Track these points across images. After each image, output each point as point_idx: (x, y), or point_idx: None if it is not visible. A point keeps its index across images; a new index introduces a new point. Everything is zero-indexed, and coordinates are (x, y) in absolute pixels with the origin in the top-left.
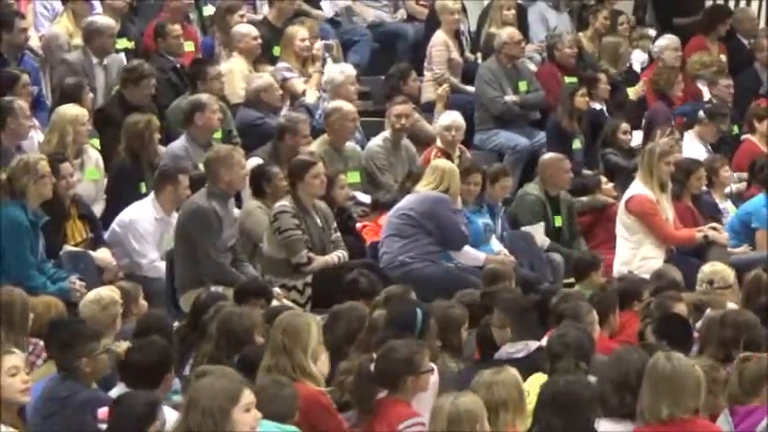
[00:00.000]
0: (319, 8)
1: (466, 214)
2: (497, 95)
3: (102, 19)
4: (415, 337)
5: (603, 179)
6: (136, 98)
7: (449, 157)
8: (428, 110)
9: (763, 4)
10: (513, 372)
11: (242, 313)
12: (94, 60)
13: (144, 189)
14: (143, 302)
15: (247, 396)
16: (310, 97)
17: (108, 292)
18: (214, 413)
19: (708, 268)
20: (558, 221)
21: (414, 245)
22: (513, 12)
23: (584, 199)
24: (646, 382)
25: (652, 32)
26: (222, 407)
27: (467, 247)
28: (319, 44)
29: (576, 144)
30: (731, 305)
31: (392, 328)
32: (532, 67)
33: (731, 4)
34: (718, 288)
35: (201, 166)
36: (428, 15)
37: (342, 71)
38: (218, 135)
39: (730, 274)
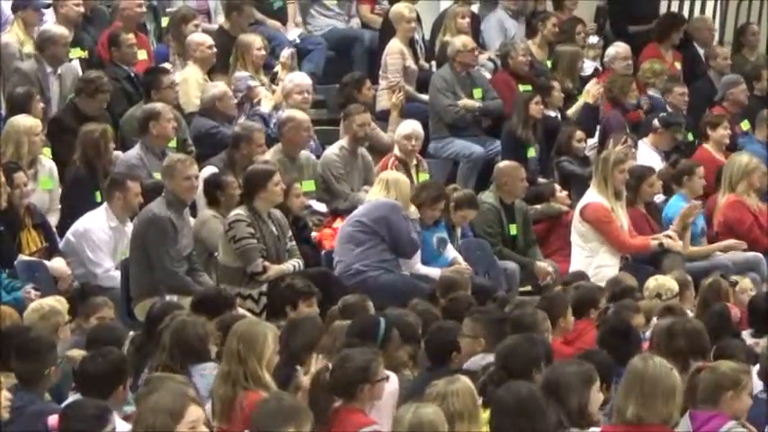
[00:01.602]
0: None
1: (419, 230)
2: (451, 103)
3: (55, 28)
4: (377, 346)
5: (557, 187)
6: (90, 109)
7: (406, 165)
8: (382, 118)
9: (718, 12)
10: (467, 381)
11: (195, 322)
12: (48, 69)
13: (99, 198)
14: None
15: (192, 413)
16: (265, 106)
17: (50, 302)
18: (157, 430)
19: (652, 284)
20: (514, 230)
21: (368, 252)
22: (467, 20)
23: (538, 207)
24: (621, 384)
25: (593, 40)
26: (165, 424)
27: (422, 266)
28: (287, 52)
29: (531, 152)
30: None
31: (353, 337)
32: (487, 75)
33: (686, 12)
34: (667, 299)
35: (156, 175)
36: (383, 23)
37: (291, 80)
38: (172, 144)
39: (675, 285)
